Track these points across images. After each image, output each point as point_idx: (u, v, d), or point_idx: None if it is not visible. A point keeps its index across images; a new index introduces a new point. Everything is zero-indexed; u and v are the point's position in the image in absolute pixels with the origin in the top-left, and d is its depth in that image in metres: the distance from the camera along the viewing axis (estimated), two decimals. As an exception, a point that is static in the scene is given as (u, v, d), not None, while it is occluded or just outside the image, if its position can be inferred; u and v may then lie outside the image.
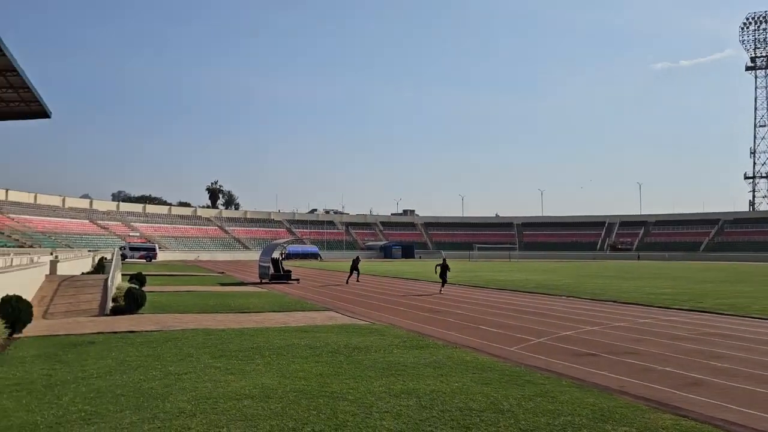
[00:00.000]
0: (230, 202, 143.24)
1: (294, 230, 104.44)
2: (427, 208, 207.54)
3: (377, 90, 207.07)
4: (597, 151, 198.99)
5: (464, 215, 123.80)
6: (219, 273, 40.03)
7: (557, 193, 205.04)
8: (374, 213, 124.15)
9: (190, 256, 79.29)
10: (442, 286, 24.24)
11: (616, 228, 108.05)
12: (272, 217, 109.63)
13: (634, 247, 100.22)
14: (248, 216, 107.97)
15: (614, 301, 20.06)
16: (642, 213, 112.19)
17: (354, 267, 30.14)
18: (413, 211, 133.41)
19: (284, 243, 34.14)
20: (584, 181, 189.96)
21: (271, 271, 29.36)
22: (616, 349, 10.65)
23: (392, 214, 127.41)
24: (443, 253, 54.48)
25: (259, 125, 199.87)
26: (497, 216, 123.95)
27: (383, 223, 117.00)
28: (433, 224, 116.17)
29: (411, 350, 10.12)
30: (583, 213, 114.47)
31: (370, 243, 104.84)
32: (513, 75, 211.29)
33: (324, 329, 12.70)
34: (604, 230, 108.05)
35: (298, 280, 30.10)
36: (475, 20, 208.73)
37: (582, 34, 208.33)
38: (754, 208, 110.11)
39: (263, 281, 29.12)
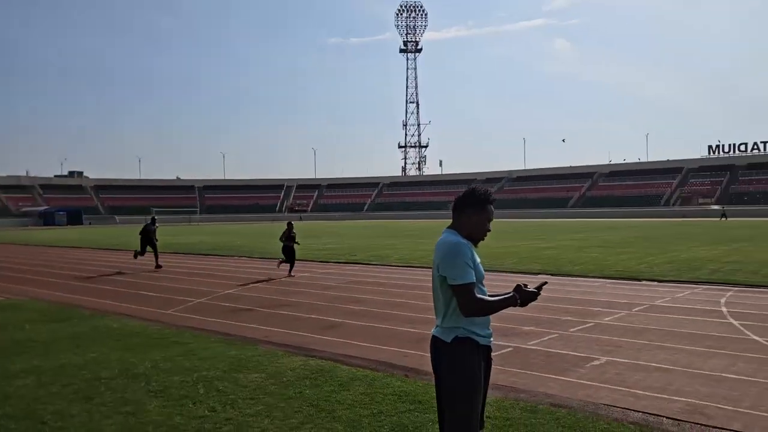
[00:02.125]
0: None
1: None
2: (100, 170, 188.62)
3: (31, 32, 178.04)
4: (280, 116, 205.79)
5: (142, 177, 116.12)
6: None
7: (240, 157, 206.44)
8: (32, 174, 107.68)
9: None
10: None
11: (294, 191, 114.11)
12: None
13: (310, 208, 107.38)
14: None
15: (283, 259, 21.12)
16: (317, 177, 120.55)
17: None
18: (82, 172, 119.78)
19: None
20: (265, 144, 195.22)
21: None
22: (271, 303, 11.20)
23: (56, 176, 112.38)
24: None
25: None
26: (178, 179, 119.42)
27: (44, 186, 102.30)
28: (105, 187, 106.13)
29: (49, 324, 9.04)
30: (264, 176, 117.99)
31: (27, 209, 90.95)
32: (194, 36, 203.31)
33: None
34: (283, 193, 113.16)
35: None
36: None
37: (265, 3, 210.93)
38: (405, 173, 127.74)
39: None
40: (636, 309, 9.95)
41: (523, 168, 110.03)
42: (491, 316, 3.00)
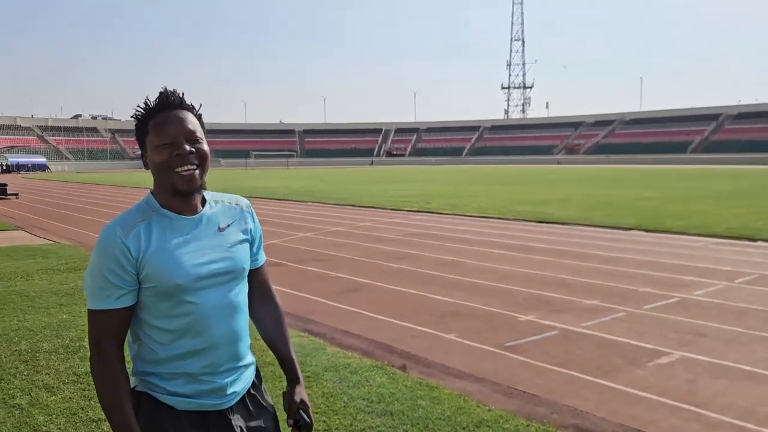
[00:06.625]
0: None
1: (48, 138, 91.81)
2: (209, 115, 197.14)
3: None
4: (380, 58, 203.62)
5: (247, 122, 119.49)
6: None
7: (340, 101, 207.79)
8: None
9: None
10: None
11: (392, 135, 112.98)
12: (19, 123, 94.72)
13: (407, 153, 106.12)
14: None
15: (353, 205, 20.16)
16: (416, 120, 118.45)
17: None
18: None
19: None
20: (364, 88, 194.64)
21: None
22: (308, 256, 10.15)
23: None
24: None
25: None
26: (281, 123, 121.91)
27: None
28: (212, 131, 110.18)
29: (64, 274, 8.49)
30: (363, 120, 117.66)
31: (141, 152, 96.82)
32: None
33: (-24, 254, 10.40)
34: (381, 137, 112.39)
35: (16, 194, 25.83)
36: None
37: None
38: (508, 116, 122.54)
39: (-29, 198, 24.49)
40: (739, 280, 7.93)
41: (638, 110, 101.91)
42: (228, 345, 1.64)
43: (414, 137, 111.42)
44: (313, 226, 14.52)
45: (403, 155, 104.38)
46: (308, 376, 4.44)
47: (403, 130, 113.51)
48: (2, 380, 4.27)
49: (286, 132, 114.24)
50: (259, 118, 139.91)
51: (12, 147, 54.30)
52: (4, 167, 66.48)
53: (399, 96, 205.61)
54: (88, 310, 1.55)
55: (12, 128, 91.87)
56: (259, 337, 1.84)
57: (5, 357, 4.76)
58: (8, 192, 25.26)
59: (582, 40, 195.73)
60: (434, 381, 4.45)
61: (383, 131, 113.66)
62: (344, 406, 3.91)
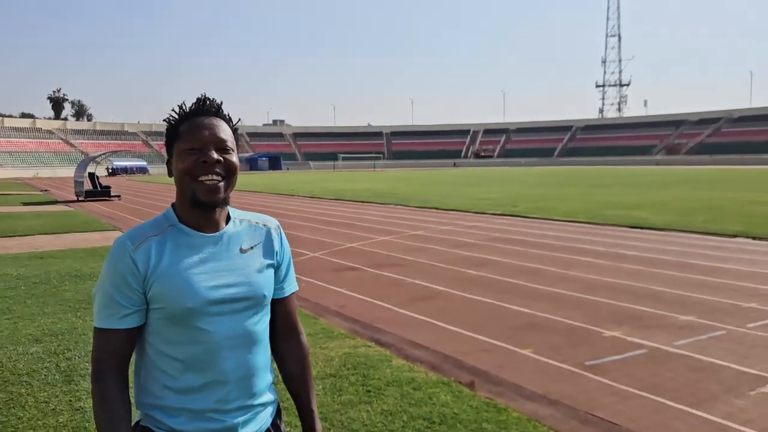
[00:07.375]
0: (81, 113, 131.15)
1: (151, 143, 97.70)
2: (300, 118, 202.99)
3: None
4: (468, 58, 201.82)
5: (335, 125, 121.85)
6: (41, 191, 36.06)
7: (427, 102, 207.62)
8: (243, 123, 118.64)
9: (29, 173, 71.94)
10: None
11: (480, 136, 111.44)
12: (126, 129, 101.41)
13: (496, 154, 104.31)
14: (98, 128, 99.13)
15: (436, 208, 19.88)
16: (505, 121, 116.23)
17: None
18: (283, 121, 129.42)
19: (102, 155, 30.99)
20: (451, 89, 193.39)
21: (87, 187, 26.60)
22: (384, 261, 10.00)
23: (263, 125, 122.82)
24: None
25: (110, 24, 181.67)
26: (369, 125, 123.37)
27: (250, 134, 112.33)
28: (302, 134, 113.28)
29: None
30: (450, 122, 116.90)
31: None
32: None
33: (75, 253, 11.01)
34: (469, 138, 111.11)
35: (119, 196, 27.53)
36: None
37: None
38: (603, 115, 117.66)
39: (79, 199, 26.33)
40: None
41: (747, 106, 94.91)
42: (234, 385, 1.48)
43: (503, 138, 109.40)
44: (394, 229, 14.38)
45: (491, 156, 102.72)
46: (369, 391, 4.26)
47: (492, 131, 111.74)
48: (72, 381, 4.39)
49: (373, 134, 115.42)
50: (347, 121, 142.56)
51: (116, 151, 57.83)
52: (110, 171, 71.22)
53: (487, 96, 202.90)
54: (94, 327, 1.46)
55: (120, 134, 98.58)
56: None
57: (79, 358, 4.90)
58: (111, 194, 26.96)
59: (683, 33, 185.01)
60: (503, 402, 4.13)
61: (471, 132, 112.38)
62: (403, 426, 3.68)
